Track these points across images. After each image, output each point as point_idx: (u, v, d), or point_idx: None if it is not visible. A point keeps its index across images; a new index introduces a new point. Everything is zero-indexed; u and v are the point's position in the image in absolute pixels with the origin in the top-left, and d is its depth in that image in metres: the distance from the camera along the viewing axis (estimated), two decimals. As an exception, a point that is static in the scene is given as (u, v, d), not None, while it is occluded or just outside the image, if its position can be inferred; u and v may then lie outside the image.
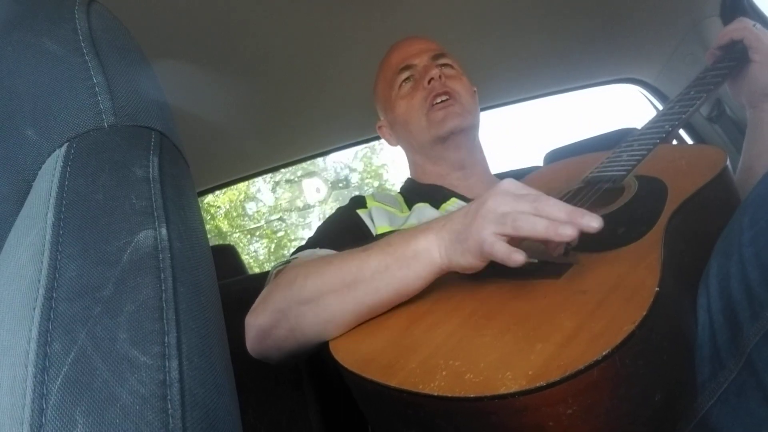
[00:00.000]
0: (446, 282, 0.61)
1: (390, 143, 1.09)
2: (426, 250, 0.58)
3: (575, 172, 0.79)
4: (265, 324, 0.66)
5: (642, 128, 0.80)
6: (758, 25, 0.81)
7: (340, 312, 0.61)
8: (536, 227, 0.49)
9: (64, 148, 0.36)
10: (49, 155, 0.37)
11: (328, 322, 0.62)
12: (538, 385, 0.39)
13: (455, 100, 0.95)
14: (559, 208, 0.50)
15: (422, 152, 1.01)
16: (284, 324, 0.65)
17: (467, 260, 0.55)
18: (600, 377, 0.40)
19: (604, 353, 0.40)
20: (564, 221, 0.49)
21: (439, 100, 0.94)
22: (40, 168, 0.37)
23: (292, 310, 0.64)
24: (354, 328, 0.61)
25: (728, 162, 0.67)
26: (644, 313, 0.42)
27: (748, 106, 0.82)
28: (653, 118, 0.81)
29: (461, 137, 0.96)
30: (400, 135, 1.04)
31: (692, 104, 0.78)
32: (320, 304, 0.62)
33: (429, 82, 0.95)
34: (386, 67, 1.04)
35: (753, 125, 0.82)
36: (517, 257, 0.50)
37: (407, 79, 0.99)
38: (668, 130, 0.75)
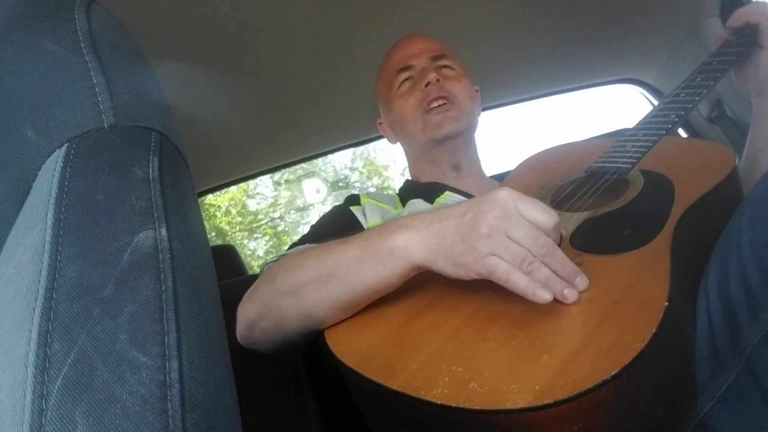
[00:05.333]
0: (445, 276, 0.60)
1: (390, 140, 1.10)
2: (402, 248, 0.55)
3: (577, 160, 0.78)
4: (252, 316, 0.67)
5: (646, 116, 0.77)
6: None
7: (317, 305, 0.60)
8: (552, 284, 0.49)
9: (64, 149, 0.36)
10: (49, 156, 0.37)
11: (308, 316, 0.61)
12: (545, 402, 0.39)
13: (452, 104, 0.95)
14: (563, 264, 0.51)
15: (418, 152, 1.02)
16: (269, 317, 0.65)
17: (456, 272, 0.52)
18: (607, 395, 0.40)
19: (613, 373, 0.39)
20: (565, 277, 0.50)
21: (435, 104, 0.94)
22: (40, 168, 0.37)
23: (274, 303, 0.64)
24: (351, 317, 0.60)
25: (737, 162, 0.66)
26: (654, 331, 0.42)
27: (755, 95, 0.81)
28: (657, 106, 0.78)
29: (457, 140, 0.97)
30: (398, 133, 1.05)
31: (699, 92, 0.75)
32: (299, 297, 0.61)
33: (426, 85, 0.95)
34: (387, 66, 1.04)
35: (759, 115, 0.80)
36: (544, 295, 0.47)
37: (407, 79, 1.00)
38: (674, 120, 0.73)
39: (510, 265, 0.49)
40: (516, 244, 0.50)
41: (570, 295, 0.49)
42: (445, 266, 0.52)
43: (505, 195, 0.53)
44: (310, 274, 0.61)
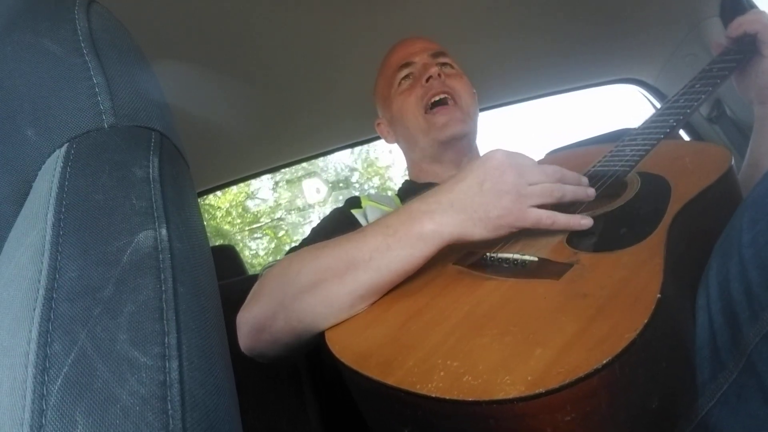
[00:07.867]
0: (444, 276, 0.60)
1: (387, 141, 1.10)
2: (434, 231, 0.58)
3: (577, 166, 0.78)
4: (260, 316, 0.64)
5: (645, 122, 0.78)
6: None
7: (337, 295, 0.59)
8: (578, 193, 0.62)
9: (64, 149, 0.36)
10: (49, 155, 0.37)
11: (326, 307, 0.60)
12: (537, 392, 0.39)
13: (455, 102, 0.95)
14: (573, 176, 0.63)
15: (420, 151, 1.01)
16: (281, 314, 0.63)
17: (497, 233, 0.58)
18: (599, 385, 0.40)
19: (604, 361, 0.39)
20: (579, 185, 0.63)
21: (437, 98, 0.94)
22: (40, 168, 0.37)
23: (288, 298, 0.62)
24: (350, 319, 0.60)
25: (733, 161, 0.66)
26: (646, 321, 0.42)
27: (757, 102, 0.81)
28: (657, 112, 0.79)
29: (461, 142, 0.97)
30: (398, 132, 1.05)
31: (698, 98, 0.76)
32: (318, 288, 0.60)
33: (427, 80, 0.95)
34: (387, 65, 1.04)
35: (761, 121, 0.81)
36: (586, 222, 0.58)
37: (406, 76, 0.99)
38: (673, 125, 0.74)
39: (550, 212, 0.58)
40: (538, 184, 0.59)
41: (591, 192, 0.63)
42: (483, 232, 0.58)
43: (502, 155, 0.60)
44: (329, 263, 0.61)
